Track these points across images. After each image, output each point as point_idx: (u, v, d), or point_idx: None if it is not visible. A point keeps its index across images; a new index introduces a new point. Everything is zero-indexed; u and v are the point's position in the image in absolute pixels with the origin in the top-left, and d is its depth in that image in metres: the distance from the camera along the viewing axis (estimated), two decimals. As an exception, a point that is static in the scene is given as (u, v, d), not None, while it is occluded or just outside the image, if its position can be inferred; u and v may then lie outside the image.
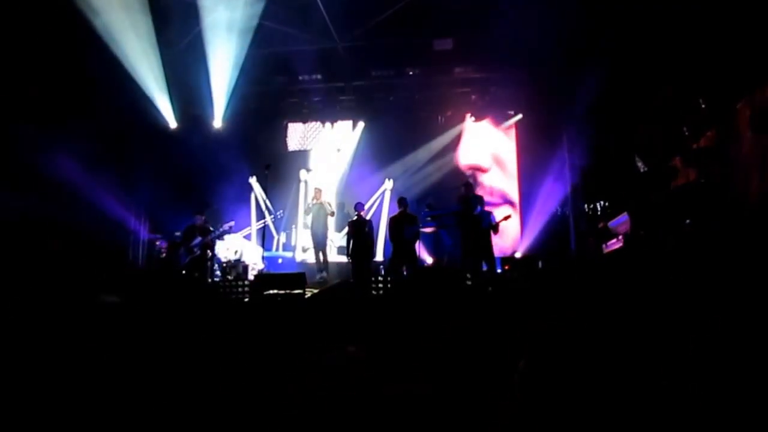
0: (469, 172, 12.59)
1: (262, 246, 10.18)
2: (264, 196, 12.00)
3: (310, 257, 11.47)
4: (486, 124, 12.78)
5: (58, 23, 9.27)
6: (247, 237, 12.10)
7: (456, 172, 12.48)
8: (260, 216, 12.01)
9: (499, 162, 12.56)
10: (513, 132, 12.57)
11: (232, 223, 10.67)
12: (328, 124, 13.31)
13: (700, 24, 7.22)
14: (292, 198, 12.56)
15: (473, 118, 12.61)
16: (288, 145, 13.25)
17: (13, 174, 9.22)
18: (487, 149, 12.72)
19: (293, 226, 12.63)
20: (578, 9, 8.99)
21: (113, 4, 9.70)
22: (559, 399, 1.06)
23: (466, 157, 12.78)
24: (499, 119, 12.63)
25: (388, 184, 9.43)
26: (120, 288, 7.60)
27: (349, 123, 13.15)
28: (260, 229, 11.40)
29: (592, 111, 10.15)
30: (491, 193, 12.27)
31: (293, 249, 12.26)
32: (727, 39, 6.70)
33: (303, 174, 13.08)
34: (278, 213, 11.36)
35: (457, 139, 12.84)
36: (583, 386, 1.06)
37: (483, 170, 12.61)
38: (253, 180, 12.17)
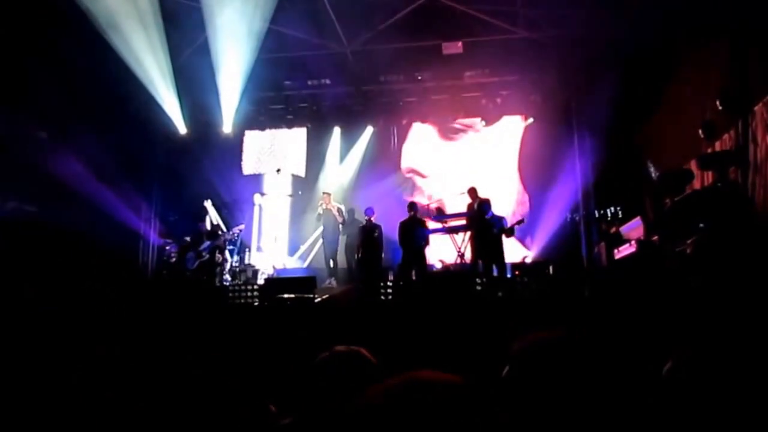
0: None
1: None
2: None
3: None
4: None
5: (71, 30, 9.36)
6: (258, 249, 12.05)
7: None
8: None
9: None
10: (519, 136, 12.43)
11: (241, 227, 10.62)
12: (335, 129, 13.26)
13: (715, 24, 7.11)
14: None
15: (484, 123, 12.50)
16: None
17: (24, 179, 9.29)
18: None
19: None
20: (590, 11, 8.91)
21: (126, 13, 9.75)
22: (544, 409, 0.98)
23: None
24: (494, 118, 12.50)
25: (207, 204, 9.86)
26: (129, 292, 7.60)
27: (360, 128, 13.06)
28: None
29: (603, 115, 10.02)
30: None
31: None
32: (743, 38, 6.59)
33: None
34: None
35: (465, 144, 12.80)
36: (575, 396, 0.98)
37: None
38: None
